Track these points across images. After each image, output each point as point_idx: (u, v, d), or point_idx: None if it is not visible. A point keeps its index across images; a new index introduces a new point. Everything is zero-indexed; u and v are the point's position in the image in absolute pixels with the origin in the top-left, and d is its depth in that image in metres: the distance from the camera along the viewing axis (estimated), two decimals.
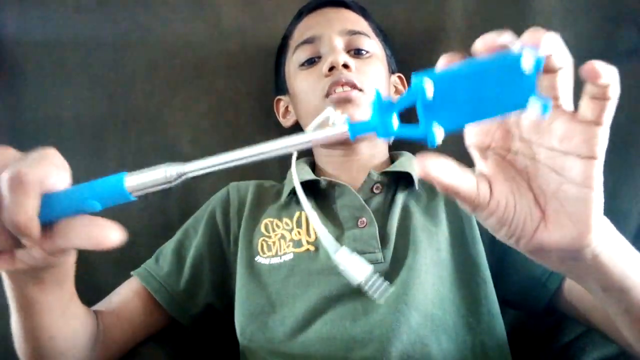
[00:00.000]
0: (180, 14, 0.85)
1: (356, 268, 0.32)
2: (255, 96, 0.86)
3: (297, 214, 0.66)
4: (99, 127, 0.82)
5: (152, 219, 0.80)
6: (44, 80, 0.80)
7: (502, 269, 0.63)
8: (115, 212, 0.86)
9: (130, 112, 0.83)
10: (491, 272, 0.61)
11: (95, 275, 0.71)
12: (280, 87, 0.81)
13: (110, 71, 0.83)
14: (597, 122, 0.29)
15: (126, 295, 0.64)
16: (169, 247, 0.69)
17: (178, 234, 0.71)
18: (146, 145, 0.83)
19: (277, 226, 0.65)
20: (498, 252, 0.62)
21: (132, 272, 0.67)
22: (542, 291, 0.60)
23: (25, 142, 0.76)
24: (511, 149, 0.34)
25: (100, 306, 0.61)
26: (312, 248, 0.62)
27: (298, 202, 0.67)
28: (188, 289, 0.66)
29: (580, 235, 0.31)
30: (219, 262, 0.68)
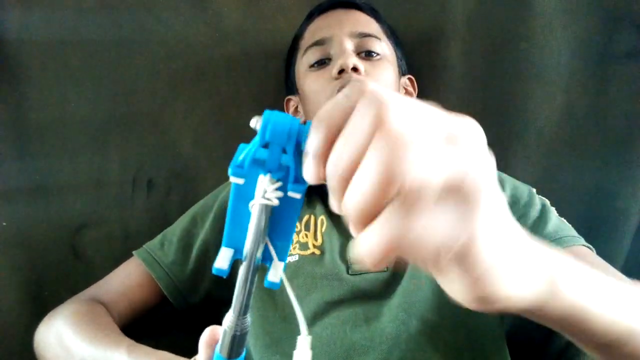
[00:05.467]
0: (181, 15, 0.86)
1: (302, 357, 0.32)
2: (257, 97, 0.86)
3: (306, 217, 0.66)
4: (102, 128, 0.82)
5: (152, 219, 0.81)
6: (47, 81, 0.80)
7: None
8: (116, 212, 0.86)
9: (133, 113, 0.83)
10: None
11: (95, 275, 0.71)
12: (290, 87, 0.81)
13: (112, 72, 0.83)
14: None
15: (129, 280, 0.67)
16: (175, 233, 0.69)
17: (185, 221, 0.71)
18: (148, 146, 0.83)
19: None
20: None
21: (134, 252, 0.68)
22: None
23: (28, 142, 0.75)
24: None
25: (105, 290, 0.66)
26: (317, 252, 0.63)
27: (308, 204, 0.68)
28: (192, 279, 0.67)
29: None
30: None
